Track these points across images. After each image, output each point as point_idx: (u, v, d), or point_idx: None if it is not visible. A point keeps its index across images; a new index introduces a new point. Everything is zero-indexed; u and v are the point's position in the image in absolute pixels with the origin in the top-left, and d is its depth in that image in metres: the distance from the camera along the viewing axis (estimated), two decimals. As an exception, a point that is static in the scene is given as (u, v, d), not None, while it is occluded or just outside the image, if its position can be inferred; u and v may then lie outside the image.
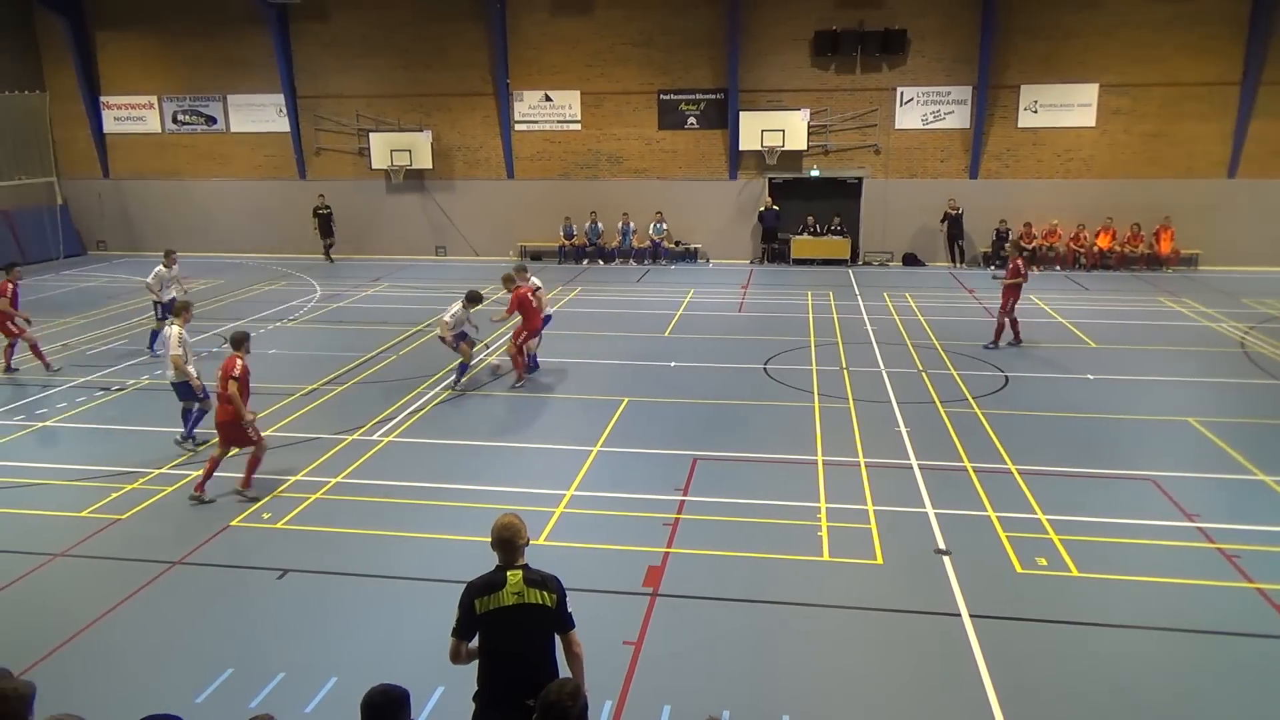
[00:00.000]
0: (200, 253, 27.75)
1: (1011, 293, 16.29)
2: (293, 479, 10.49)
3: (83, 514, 9.64)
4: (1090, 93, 24.89)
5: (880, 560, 8.50)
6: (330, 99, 27.74)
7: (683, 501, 9.82)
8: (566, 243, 27.26)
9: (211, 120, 28.66)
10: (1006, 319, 16.42)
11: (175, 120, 28.81)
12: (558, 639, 4.82)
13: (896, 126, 25.85)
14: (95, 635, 7.38)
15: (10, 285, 15.25)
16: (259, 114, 28.27)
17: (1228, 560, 8.36)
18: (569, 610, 4.80)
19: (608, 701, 6.41)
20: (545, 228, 27.50)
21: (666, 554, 8.62)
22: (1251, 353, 16.05)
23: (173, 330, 11.50)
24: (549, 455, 11.36)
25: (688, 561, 8.48)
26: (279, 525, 9.35)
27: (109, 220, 29.58)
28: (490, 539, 4.91)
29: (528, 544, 4.89)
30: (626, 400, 13.34)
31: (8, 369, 15.25)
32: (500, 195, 27.77)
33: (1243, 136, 24.33)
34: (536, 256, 27.77)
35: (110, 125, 29.07)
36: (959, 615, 7.48)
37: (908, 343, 16.86)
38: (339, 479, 10.53)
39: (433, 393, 13.87)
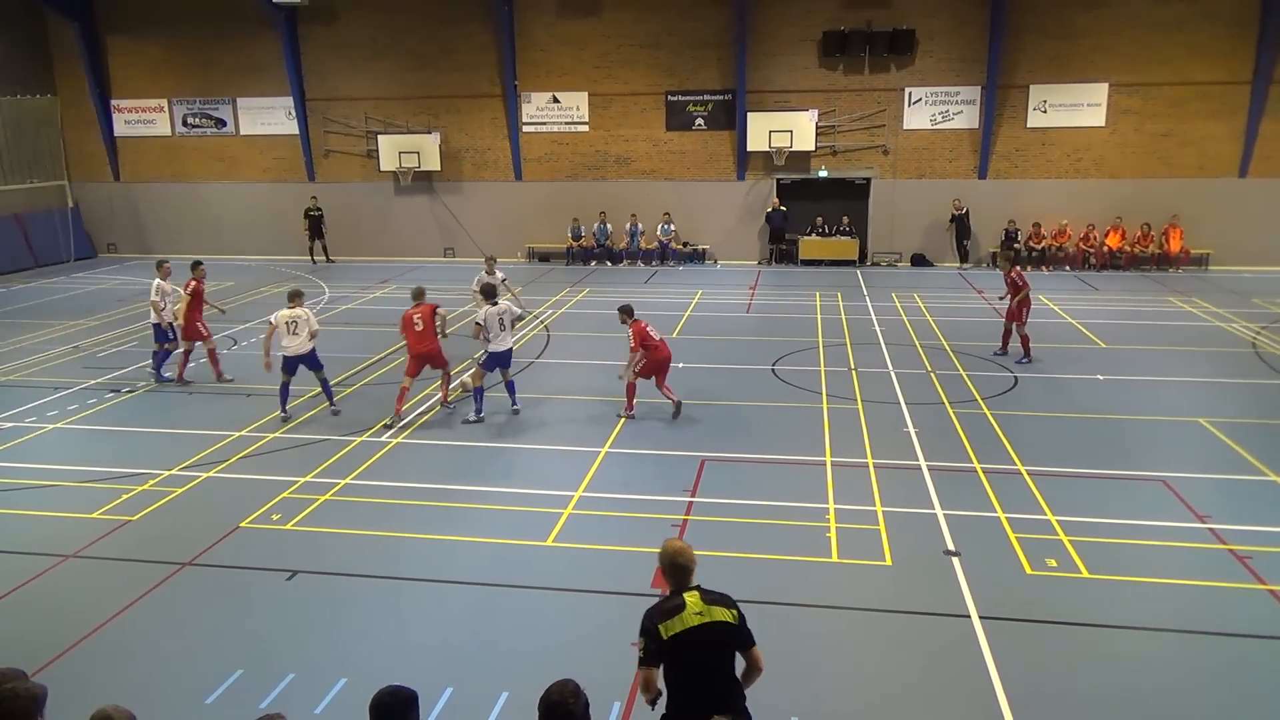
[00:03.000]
0: (210, 255, 27.74)
1: (1024, 306, 15.30)
2: (302, 480, 10.52)
3: (94, 515, 9.69)
4: (1100, 92, 24.79)
5: (889, 561, 8.48)
6: (339, 101, 27.83)
7: (691, 503, 9.81)
8: (574, 244, 27.29)
9: (221, 123, 28.79)
10: (1016, 330, 15.44)
11: (185, 123, 28.95)
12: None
13: (905, 127, 25.79)
14: (106, 636, 7.41)
15: (197, 284, 14.76)
16: (268, 117, 28.39)
17: (1239, 562, 8.31)
18: (749, 627, 4.80)
19: (616, 702, 6.41)
20: (553, 229, 27.54)
21: (675, 555, 8.60)
22: (1263, 353, 15.96)
23: (154, 282, 13.75)
24: (557, 457, 11.37)
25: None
26: (288, 526, 9.38)
27: (119, 223, 29.74)
28: (661, 565, 4.88)
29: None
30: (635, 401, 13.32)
31: (180, 379, 14.61)
32: (508, 197, 27.82)
33: (1254, 136, 24.19)
34: (545, 258, 27.82)
35: (121, 128, 29.23)
36: (968, 617, 7.46)
37: (916, 343, 16.82)
38: (348, 480, 10.56)
39: (440, 394, 13.87)
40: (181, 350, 14.81)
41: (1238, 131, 24.35)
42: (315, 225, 27.62)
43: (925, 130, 25.76)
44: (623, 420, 12.56)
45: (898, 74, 25.49)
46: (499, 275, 15.77)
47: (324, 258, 27.91)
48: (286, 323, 12.54)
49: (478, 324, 12.57)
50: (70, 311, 20.73)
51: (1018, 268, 15.80)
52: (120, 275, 26.11)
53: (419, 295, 12.95)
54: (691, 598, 4.70)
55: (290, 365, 12.69)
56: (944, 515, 9.36)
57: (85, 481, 10.66)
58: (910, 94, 25.57)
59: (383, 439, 11.93)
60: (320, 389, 13.12)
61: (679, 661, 4.64)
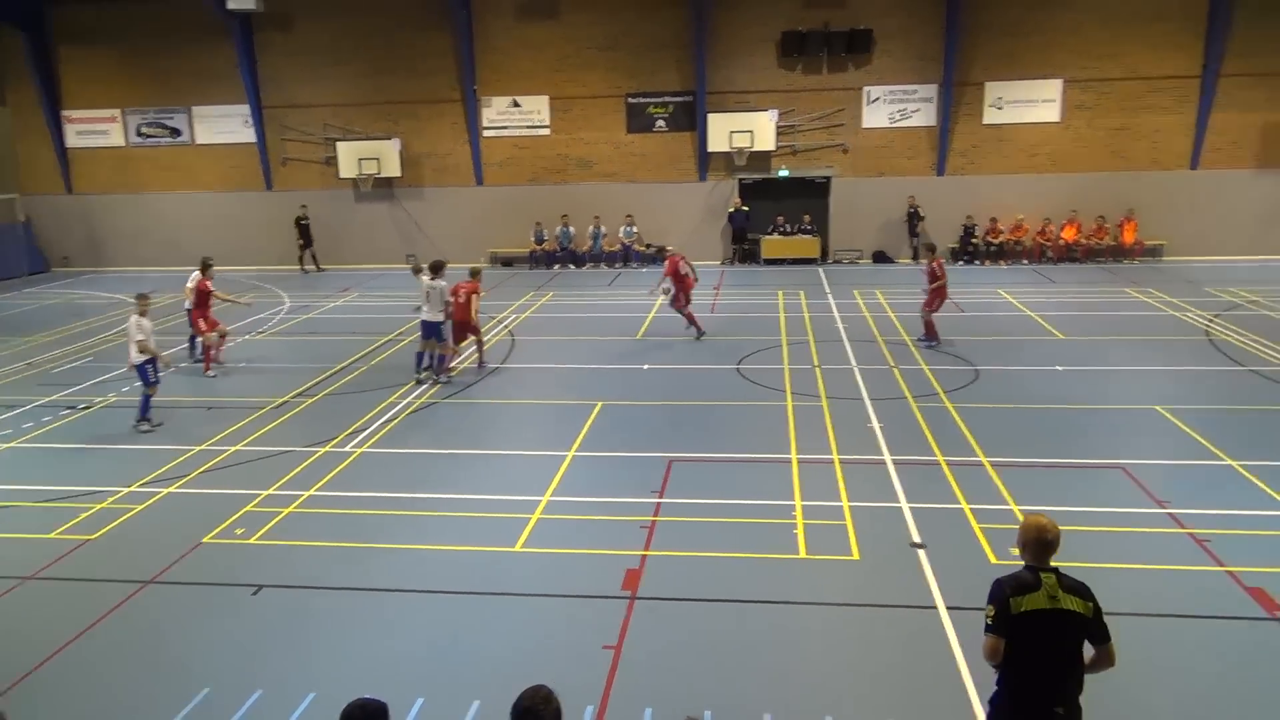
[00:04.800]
0: (167, 267, 27.44)
1: (938, 295, 15.99)
2: (265, 493, 10.38)
3: (52, 535, 9.48)
4: (1054, 88, 25.21)
5: (856, 556, 8.54)
6: (296, 109, 27.53)
7: (659, 504, 9.82)
8: (538, 248, 27.23)
9: (176, 132, 28.36)
10: (922, 313, 16.28)
11: (139, 133, 28.48)
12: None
13: (864, 125, 26.05)
14: (68, 658, 7.25)
15: (206, 283, 15.84)
16: (224, 125, 28.02)
17: (1199, 545, 8.48)
18: (1104, 620, 4.69)
19: (589, 706, 6.39)
20: (516, 233, 27.45)
21: (644, 556, 8.61)
22: (1216, 340, 16.30)
23: (132, 319, 12.73)
24: (524, 461, 11.32)
25: (665, 563, 8.48)
26: (253, 540, 9.25)
27: (73, 236, 29.16)
28: (1023, 539, 4.77)
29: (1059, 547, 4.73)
30: (600, 404, 13.33)
31: (206, 368, 15.85)
32: (470, 202, 27.68)
33: (1204, 129, 24.75)
34: (508, 263, 27.73)
35: (73, 140, 28.69)
36: (935, 608, 7.54)
37: (879, 339, 16.98)
38: (312, 492, 10.44)
39: (405, 402, 13.79)
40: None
41: (1189, 125, 24.89)
42: (305, 233, 27.39)
43: (884, 128, 26.03)
44: (589, 423, 12.52)
45: (856, 73, 25.73)
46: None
47: (314, 266, 27.64)
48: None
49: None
50: (23, 327, 20.30)
51: (940, 258, 16.35)
52: (74, 289, 25.62)
53: (475, 274, 15.32)
54: (1048, 579, 4.63)
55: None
56: (909, 508, 9.45)
57: (42, 501, 10.43)
58: (868, 93, 25.83)
59: (346, 449, 11.81)
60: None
61: (1021, 640, 4.57)
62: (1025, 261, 25.61)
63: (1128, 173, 25.32)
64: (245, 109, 27.44)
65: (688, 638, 7.28)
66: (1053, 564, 4.72)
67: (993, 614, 4.62)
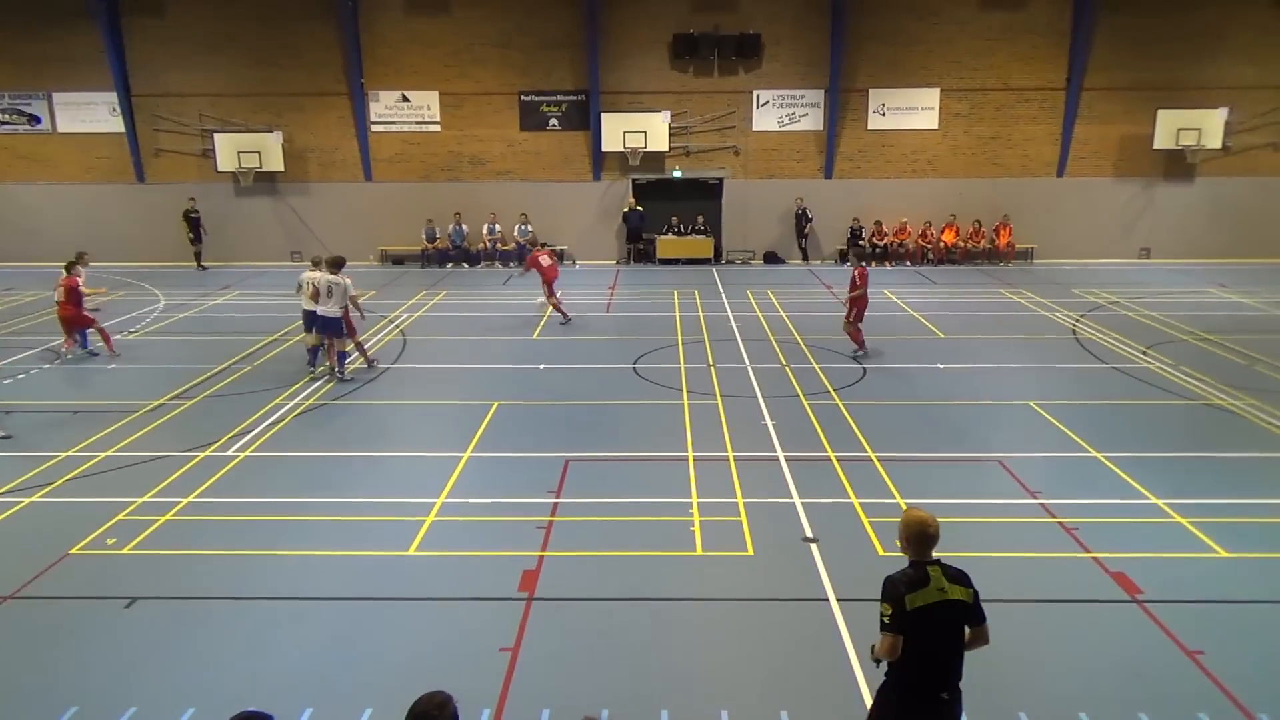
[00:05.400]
0: (28, 262, 25.76)
1: (856, 304, 15.68)
2: (139, 501, 9.85)
3: (-104, 550, 8.77)
4: (933, 97, 26.26)
5: (751, 551, 8.69)
6: (170, 98, 26.23)
7: (556, 504, 9.77)
8: (430, 246, 26.71)
9: (35, 119, 26.62)
10: (844, 324, 15.89)
11: (-7, 119, 26.62)
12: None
13: (754, 128, 26.56)
14: (-85, 682, 6.71)
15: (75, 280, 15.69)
16: (89, 113, 26.45)
17: (1067, 533, 8.96)
18: (980, 603, 4.88)
19: (485, 709, 6.30)
20: (407, 231, 26.87)
21: (541, 557, 8.55)
22: (1082, 339, 17.27)
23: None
24: (417, 463, 11.08)
25: (563, 564, 8.44)
26: (125, 551, 8.75)
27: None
28: (905, 535, 4.87)
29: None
30: (496, 404, 13.18)
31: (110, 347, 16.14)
32: (358, 198, 26.95)
33: (1069, 138, 26.21)
34: (399, 260, 27.12)
35: (-84, 125, 26.61)
36: (827, 600, 7.73)
37: (771, 338, 17.33)
38: (191, 498, 9.96)
39: (291, 404, 13.31)
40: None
41: (1055, 134, 26.32)
42: (195, 227, 26.11)
43: (774, 132, 26.59)
44: (485, 423, 12.36)
45: (746, 77, 26.20)
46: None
47: (197, 263, 26.36)
48: None
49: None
50: None
51: (862, 266, 15.79)
52: (-78, 286, 23.75)
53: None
54: (935, 572, 4.77)
55: None
56: (802, 504, 9.67)
57: (-115, 514, 9.63)
58: (758, 96, 26.34)
59: (228, 453, 11.31)
60: None
61: (915, 633, 4.68)
62: (908, 263, 26.60)
63: (1001, 179, 26.61)
64: (112, 96, 25.97)
65: (585, 638, 7.26)
66: (934, 555, 4.90)
67: (890, 613, 4.71)
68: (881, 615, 4.75)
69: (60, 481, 10.42)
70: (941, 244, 26.65)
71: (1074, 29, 25.38)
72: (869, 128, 26.56)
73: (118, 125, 26.30)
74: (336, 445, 11.72)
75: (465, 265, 26.83)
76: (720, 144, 26.67)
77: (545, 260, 18.69)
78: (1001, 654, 6.94)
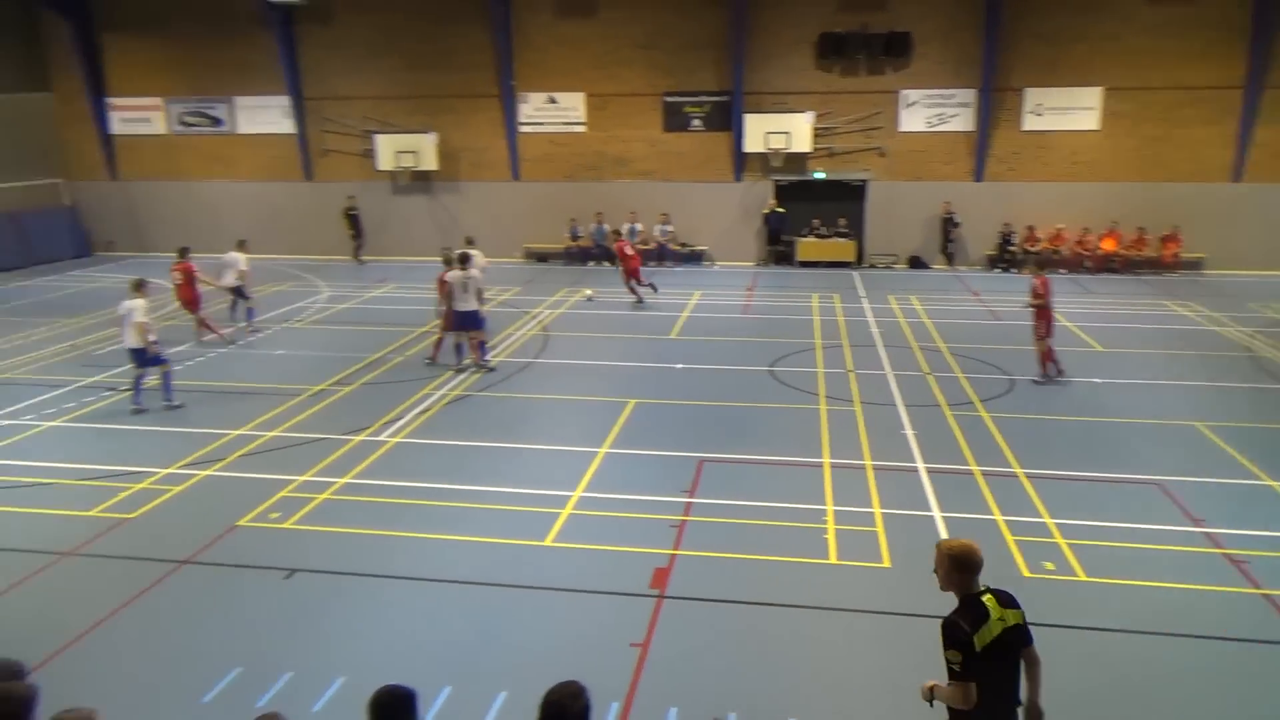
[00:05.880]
0: (207, 254, 27.76)
1: (1039, 315, 14.29)
2: (299, 479, 10.52)
3: (91, 513, 9.68)
4: (1094, 96, 24.87)
5: (887, 563, 8.51)
6: (337, 101, 27.80)
7: (689, 503, 9.83)
8: (572, 244, 27.30)
9: (218, 122, 28.73)
10: (1042, 346, 14.34)
11: (182, 122, 28.87)
12: None
13: (901, 129, 25.85)
14: (104, 634, 7.41)
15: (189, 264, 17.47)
16: (265, 116, 28.32)
17: (1235, 566, 8.35)
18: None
19: (614, 703, 6.43)
20: (551, 230, 27.53)
21: (673, 556, 8.63)
22: (1258, 357, 16.03)
23: (139, 303, 13.00)
24: (555, 456, 11.37)
25: (694, 564, 8.49)
26: (287, 525, 9.38)
27: (116, 221, 29.62)
28: (947, 564, 4.69)
29: None
30: (633, 402, 13.36)
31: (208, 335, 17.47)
32: (506, 197, 27.81)
33: (1246, 141, 24.28)
34: (543, 258, 27.82)
35: (117, 127, 29.14)
36: (966, 618, 7.47)
37: (913, 345, 16.86)
38: (346, 479, 10.56)
39: (439, 394, 13.90)
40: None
41: (1230, 137, 24.43)
42: (355, 224, 27.69)
43: (922, 133, 25.81)
44: (621, 420, 12.55)
45: (894, 76, 25.54)
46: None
47: (355, 258, 27.97)
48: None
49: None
50: (67, 309, 20.68)
51: (1043, 275, 14.52)
52: (116, 274, 25.99)
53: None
54: (990, 602, 4.58)
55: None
56: (941, 517, 9.39)
57: (83, 479, 10.64)
58: (906, 96, 25.62)
59: (381, 438, 11.92)
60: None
61: (984, 670, 4.49)
62: (1063, 271, 25.27)
63: (1168, 183, 24.90)
64: (286, 100, 27.74)
65: (714, 639, 7.29)
66: (983, 584, 4.66)
67: (960, 660, 4.45)
68: (950, 664, 4.50)
69: (231, 458, 11.25)
70: (1100, 251, 25.22)
71: (1255, 21, 23.50)
72: (1023, 128, 25.38)
73: (289, 127, 28.07)
74: (480, 435, 12.16)
75: (606, 264, 27.25)
76: (865, 145, 26.09)
77: (629, 250, 20.63)
78: (1154, 691, 6.57)
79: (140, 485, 10.40)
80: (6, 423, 12.68)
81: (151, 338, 13.03)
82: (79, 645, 7.23)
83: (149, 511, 9.73)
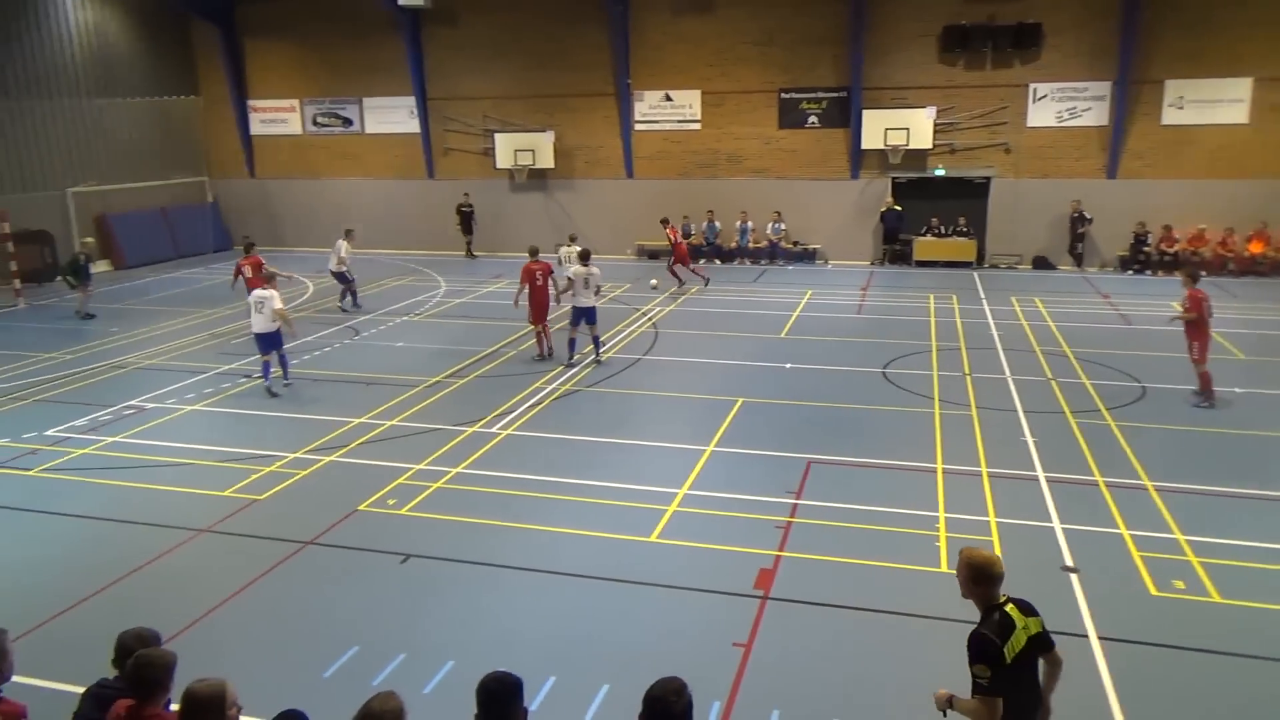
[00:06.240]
0: (327, 249, 29.01)
1: (1192, 333, 12.96)
2: (416, 467, 10.90)
3: (225, 493, 10.27)
4: (1243, 88, 23.31)
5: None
6: (458, 101, 28.62)
7: (796, 505, 9.73)
8: (685, 242, 27.28)
9: (348, 122, 29.99)
10: (1200, 369, 12.97)
11: (315, 122, 30.28)
12: None
13: (1028, 124, 24.82)
14: (234, 607, 7.86)
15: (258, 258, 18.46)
16: (392, 116, 29.42)
17: (1391, 593, 7.72)
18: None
19: (716, 702, 6.42)
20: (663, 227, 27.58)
21: (778, 557, 8.56)
22: None
23: (273, 292, 13.91)
24: (663, 453, 11.43)
25: (800, 566, 8.40)
26: (403, 511, 9.73)
27: (254, 217, 31.28)
28: (968, 574, 4.60)
29: None
30: (741, 401, 13.30)
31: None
32: (619, 194, 28.07)
33: None
34: (655, 255, 27.94)
35: (256, 127, 30.80)
36: (1086, 636, 7.17)
37: (1036, 349, 16.21)
38: (459, 469, 10.88)
39: (550, 387, 14.16)
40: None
41: (1401, 129, 22.52)
42: (466, 220, 28.60)
43: (1050, 128, 24.74)
44: (729, 419, 12.52)
45: (1022, 69, 24.56)
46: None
47: (468, 253, 28.84)
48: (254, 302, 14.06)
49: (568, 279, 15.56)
50: (208, 300, 21.98)
51: (1197, 288, 12.96)
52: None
53: (535, 254, 16.99)
54: (1013, 611, 4.51)
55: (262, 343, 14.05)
56: (1062, 529, 9.01)
57: (218, 461, 11.31)
58: (1035, 90, 24.60)
59: (493, 430, 12.23)
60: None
61: (1012, 681, 4.41)
62: (1204, 274, 23.76)
63: (1328, 181, 23.16)
64: (411, 100, 28.73)
65: (819, 643, 7.20)
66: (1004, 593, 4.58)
67: (989, 675, 4.32)
68: (977, 678, 4.35)
69: (354, 445, 11.74)
70: (1246, 254, 23.64)
71: None
72: (1163, 122, 23.99)
73: (414, 126, 29.07)
74: (588, 430, 12.32)
75: (717, 261, 27.17)
76: (989, 141, 25.19)
77: (678, 239, 23.06)
78: (1296, 721, 6.14)
79: (270, 468, 10.97)
80: (152, 406, 13.58)
81: (286, 323, 13.96)
82: (213, 616, 7.69)
83: (277, 493, 10.26)
